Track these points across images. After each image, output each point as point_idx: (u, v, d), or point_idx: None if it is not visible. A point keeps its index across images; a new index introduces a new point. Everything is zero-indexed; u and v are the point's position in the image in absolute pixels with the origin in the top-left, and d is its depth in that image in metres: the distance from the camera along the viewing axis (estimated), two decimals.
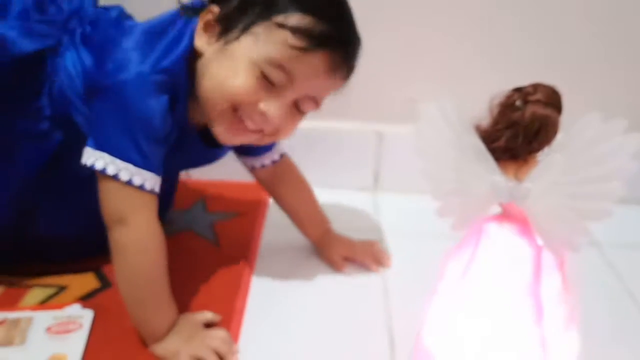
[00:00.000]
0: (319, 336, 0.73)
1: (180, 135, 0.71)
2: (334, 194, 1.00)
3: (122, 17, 0.78)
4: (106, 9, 0.79)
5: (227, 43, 0.66)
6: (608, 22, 0.99)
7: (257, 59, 0.64)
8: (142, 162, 0.65)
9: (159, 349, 0.68)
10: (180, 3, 0.71)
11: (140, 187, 0.65)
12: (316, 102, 0.70)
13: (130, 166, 0.64)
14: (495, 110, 0.55)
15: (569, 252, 0.52)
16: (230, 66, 0.65)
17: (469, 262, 0.57)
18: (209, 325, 0.72)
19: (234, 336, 0.71)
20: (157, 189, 0.67)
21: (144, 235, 0.66)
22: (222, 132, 0.69)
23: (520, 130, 0.53)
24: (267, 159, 0.85)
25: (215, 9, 0.67)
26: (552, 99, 0.54)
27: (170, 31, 0.69)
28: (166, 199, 0.86)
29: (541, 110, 0.53)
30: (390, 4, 0.98)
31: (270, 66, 0.64)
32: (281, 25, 0.63)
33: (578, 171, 0.50)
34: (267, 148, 0.84)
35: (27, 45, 0.71)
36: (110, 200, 0.66)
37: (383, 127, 1.06)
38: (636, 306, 0.81)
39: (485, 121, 0.56)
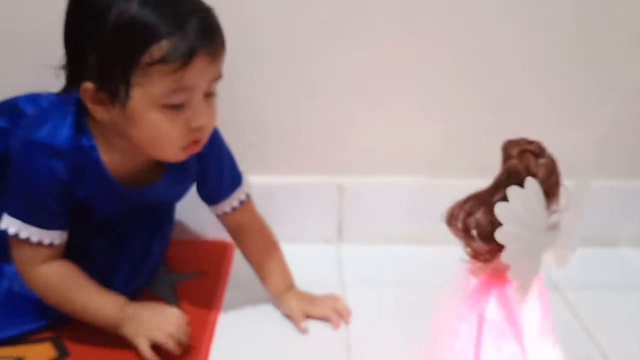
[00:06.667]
0: None
1: (103, 188, 0.77)
2: (298, 247, 1.00)
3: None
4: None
5: (123, 105, 0.69)
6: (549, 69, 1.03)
7: (156, 102, 0.69)
8: (28, 219, 0.75)
9: (122, 332, 0.77)
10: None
11: (27, 240, 0.75)
12: (217, 79, 0.74)
13: (17, 222, 0.75)
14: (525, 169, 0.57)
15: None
16: (147, 125, 0.70)
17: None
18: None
19: None
20: (46, 241, 0.76)
21: (36, 284, 0.78)
22: (177, 158, 0.75)
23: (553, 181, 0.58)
24: (226, 206, 0.87)
25: (88, 85, 0.70)
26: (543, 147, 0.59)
27: (60, 109, 0.76)
28: (145, 256, 0.91)
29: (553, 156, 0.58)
30: (346, 56, 1.01)
31: (169, 97, 0.69)
32: (151, 64, 0.67)
33: None
34: (225, 195, 0.87)
35: None
36: (10, 251, 0.78)
37: (343, 179, 1.07)
38: (596, 348, 0.82)
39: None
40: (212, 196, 0.88)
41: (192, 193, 0.88)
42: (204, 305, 0.88)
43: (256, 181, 0.95)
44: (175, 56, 0.66)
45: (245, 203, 0.88)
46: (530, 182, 0.55)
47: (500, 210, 0.54)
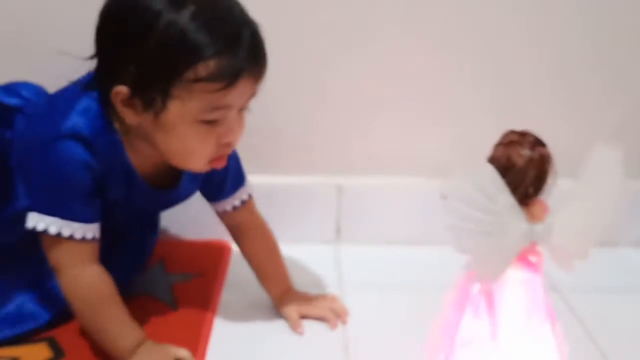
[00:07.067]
0: None
1: (129, 188, 0.75)
2: (296, 248, 1.00)
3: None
4: None
5: (157, 114, 0.67)
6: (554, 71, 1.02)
7: (193, 117, 0.67)
8: (67, 214, 0.71)
9: None
10: (78, 81, 0.75)
11: (70, 238, 0.71)
12: (254, 96, 0.72)
13: (56, 220, 0.71)
14: (504, 159, 0.58)
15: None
16: (178, 137, 0.69)
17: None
18: None
19: None
20: (89, 235, 0.73)
21: (74, 284, 0.73)
22: (200, 170, 0.74)
23: (532, 174, 0.58)
24: (227, 205, 0.86)
25: (123, 89, 0.67)
26: (541, 142, 0.59)
27: (80, 101, 0.72)
28: (139, 249, 0.91)
29: (546, 152, 0.58)
30: (347, 57, 1.00)
31: (207, 114, 0.67)
32: (195, 81, 0.65)
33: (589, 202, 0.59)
34: (227, 194, 0.85)
35: None
36: (46, 252, 0.73)
37: (342, 179, 1.07)
38: (598, 350, 0.81)
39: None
40: (214, 194, 0.86)
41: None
42: (201, 305, 0.88)
43: (255, 181, 0.94)
44: (221, 77, 0.65)
45: (247, 203, 0.87)
46: (484, 166, 0.56)
47: (444, 185, 0.55)
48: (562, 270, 0.60)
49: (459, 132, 1.05)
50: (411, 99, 1.03)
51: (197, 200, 0.88)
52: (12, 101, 0.82)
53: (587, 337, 0.84)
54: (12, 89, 0.83)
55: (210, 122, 0.68)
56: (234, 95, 0.67)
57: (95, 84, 0.72)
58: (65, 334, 0.80)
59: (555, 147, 0.60)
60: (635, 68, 1.03)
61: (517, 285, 0.60)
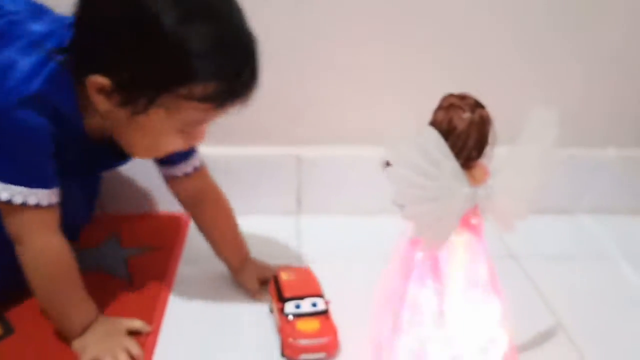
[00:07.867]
0: None
1: (80, 149, 0.73)
2: (256, 219, 0.98)
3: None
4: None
5: (134, 114, 0.65)
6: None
7: (172, 127, 0.67)
8: (33, 182, 0.68)
9: (75, 343, 0.72)
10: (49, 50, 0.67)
11: (37, 206, 0.68)
12: None
13: (22, 189, 0.67)
14: (445, 123, 0.58)
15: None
16: (148, 139, 0.69)
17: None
18: (135, 333, 0.75)
19: None
20: (54, 200, 0.70)
21: (39, 253, 0.70)
22: (150, 158, 0.76)
23: (474, 137, 0.57)
24: (178, 171, 0.83)
25: (104, 81, 0.63)
26: (480, 104, 0.58)
27: (48, 65, 0.66)
28: (83, 205, 0.89)
29: (486, 114, 0.58)
30: (303, 26, 0.98)
31: (187, 126, 0.68)
32: (188, 98, 0.64)
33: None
34: (179, 159, 0.82)
35: None
36: (8, 222, 0.69)
37: (302, 150, 1.05)
38: (554, 316, 0.82)
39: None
40: (163, 159, 0.82)
41: (147, 166, 0.85)
42: (156, 280, 0.86)
43: (214, 152, 0.93)
44: (215, 99, 0.65)
45: (200, 170, 0.84)
46: (428, 130, 0.55)
47: (389, 151, 0.55)
48: (504, 231, 0.61)
49: (418, 102, 1.03)
50: (370, 68, 1.02)
51: (152, 173, 0.86)
52: None
53: (543, 303, 0.85)
54: None
55: (185, 131, 0.69)
56: (220, 113, 0.68)
57: (68, 55, 0.66)
58: (14, 310, 0.78)
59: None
60: (596, 38, 1.03)
61: (460, 248, 0.60)
